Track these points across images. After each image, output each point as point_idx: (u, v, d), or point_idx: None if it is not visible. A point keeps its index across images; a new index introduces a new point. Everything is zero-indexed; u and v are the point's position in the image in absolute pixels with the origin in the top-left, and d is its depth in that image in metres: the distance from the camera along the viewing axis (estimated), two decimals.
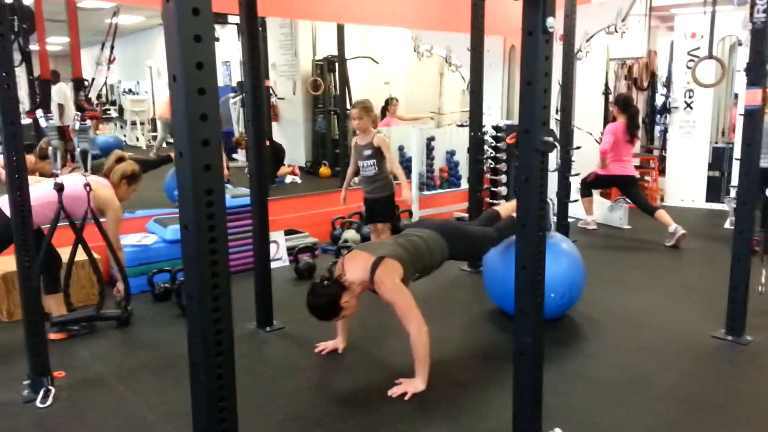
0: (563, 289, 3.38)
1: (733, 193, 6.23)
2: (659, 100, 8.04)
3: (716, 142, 7.41)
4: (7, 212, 2.88)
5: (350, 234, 5.28)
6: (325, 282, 2.77)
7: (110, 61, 4.86)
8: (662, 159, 7.62)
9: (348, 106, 8.41)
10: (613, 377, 2.90)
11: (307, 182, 8.22)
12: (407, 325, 2.71)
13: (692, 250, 5.18)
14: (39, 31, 2.58)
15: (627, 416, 2.55)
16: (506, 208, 3.69)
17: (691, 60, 6.84)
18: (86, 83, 2.85)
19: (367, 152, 4.27)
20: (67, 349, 3.27)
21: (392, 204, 4.45)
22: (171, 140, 10.92)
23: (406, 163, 6.55)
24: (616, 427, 2.48)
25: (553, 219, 3.69)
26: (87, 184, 2.74)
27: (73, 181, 2.87)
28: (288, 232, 5.06)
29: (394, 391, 2.71)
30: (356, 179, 4.59)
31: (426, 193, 5.99)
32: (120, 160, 3.55)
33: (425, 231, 3.13)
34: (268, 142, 6.13)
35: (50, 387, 2.72)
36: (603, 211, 6.13)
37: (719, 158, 7.00)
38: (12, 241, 2.64)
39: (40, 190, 3.10)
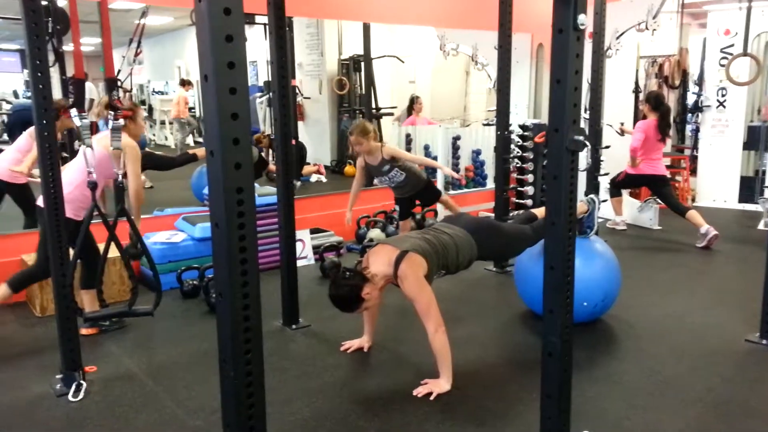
0: (596, 299, 3.32)
1: (767, 193, 6.09)
2: (690, 99, 7.88)
3: (751, 121, 7.18)
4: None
5: (375, 233, 5.29)
6: (347, 273, 2.78)
7: (136, 54, 4.91)
8: (693, 158, 7.47)
9: (374, 105, 8.45)
10: (643, 380, 2.85)
11: (333, 181, 8.26)
12: (425, 322, 2.71)
13: (724, 251, 5.07)
14: (73, 32, 2.63)
15: (657, 420, 2.51)
16: (544, 210, 3.63)
17: (724, 57, 6.69)
18: (119, 83, 2.89)
19: (386, 167, 4.30)
20: (99, 344, 3.34)
21: (433, 186, 4.66)
22: (186, 139, 11.10)
23: None
24: (646, 431, 2.44)
25: (599, 219, 3.60)
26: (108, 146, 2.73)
27: (96, 146, 2.89)
28: (313, 231, 5.08)
29: (419, 391, 2.71)
30: (376, 180, 4.62)
31: (451, 192, 5.96)
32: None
33: (456, 228, 3.06)
34: (294, 142, 6.16)
35: (82, 381, 2.78)
36: (632, 211, 6.03)
37: (755, 137, 6.79)
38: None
39: (72, 174, 3.16)
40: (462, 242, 3.00)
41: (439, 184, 5.84)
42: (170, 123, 12.81)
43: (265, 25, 6.33)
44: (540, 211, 3.63)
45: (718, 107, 6.85)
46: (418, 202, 4.81)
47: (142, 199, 3.44)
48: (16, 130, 5.55)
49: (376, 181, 4.51)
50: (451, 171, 4.92)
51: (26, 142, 4.33)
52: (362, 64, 8.61)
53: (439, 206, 5.84)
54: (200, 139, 11.77)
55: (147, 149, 6.36)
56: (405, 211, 4.49)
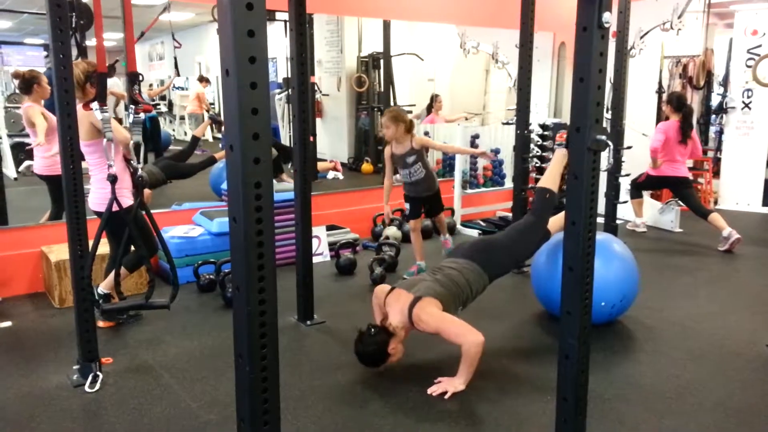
0: (614, 299, 3.29)
1: None
2: (715, 100, 7.76)
3: None
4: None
5: (391, 231, 5.28)
6: (372, 330, 2.83)
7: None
8: (717, 161, 7.36)
9: (392, 103, 8.43)
10: (661, 385, 2.81)
11: (349, 178, 8.26)
12: (463, 341, 2.69)
13: (747, 255, 4.98)
14: (97, 26, 2.65)
15: (675, 426, 2.47)
16: (547, 176, 3.47)
17: (751, 58, 6.58)
18: (141, 77, 2.91)
19: (411, 158, 4.22)
20: (115, 336, 3.37)
21: (441, 198, 4.55)
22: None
23: (449, 161, 6.51)
24: None
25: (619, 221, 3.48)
26: (140, 176, 2.74)
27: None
28: (329, 228, 5.09)
29: (434, 390, 2.70)
30: (397, 176, 4.56)
31: (469, 191, 5.94)
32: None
33: (460, 261, 3.08)
34: (312, 138, 6.16)
35: (98, 373, 2.81)
36: (653, 213, 5.95)
37: None
38: (124, 227, 2.74)
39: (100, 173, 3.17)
40: (470, 274, 3.03)
41: (457, 183, 5.83)
42: (181, 118, 12.92)
43: (285, 21, 6.35)
44: (547, 178, 3.48)
45: (743, 109, 6.73)
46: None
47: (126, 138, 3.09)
48: None
49: (397, 175, 4.44)
50: (479, 151, 4.95)
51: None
52: (381, 61, 8.59)
53: (456, 205, 5.82)
54: (219, 135, 11.87)
55: (166, 160, 6.29)
56: (416, 211, 4.44)
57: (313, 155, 8.11)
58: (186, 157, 6.27)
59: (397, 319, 2.84)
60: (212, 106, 11.42)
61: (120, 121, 5.22)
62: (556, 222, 3.31)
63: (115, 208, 2.69)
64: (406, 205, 4.53)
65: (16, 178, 5.52)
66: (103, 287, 3.44)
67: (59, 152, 2.67)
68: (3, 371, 2.96)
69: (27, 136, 5.95)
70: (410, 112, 8.62)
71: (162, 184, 5.69)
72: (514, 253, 3.29)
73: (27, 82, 4.26)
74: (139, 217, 3.01)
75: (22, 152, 6.82)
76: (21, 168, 6.67)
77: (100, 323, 3.35)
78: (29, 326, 3.53)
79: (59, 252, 3.85)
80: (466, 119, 8.12)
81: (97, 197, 3.30)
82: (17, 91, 4.90)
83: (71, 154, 2.64)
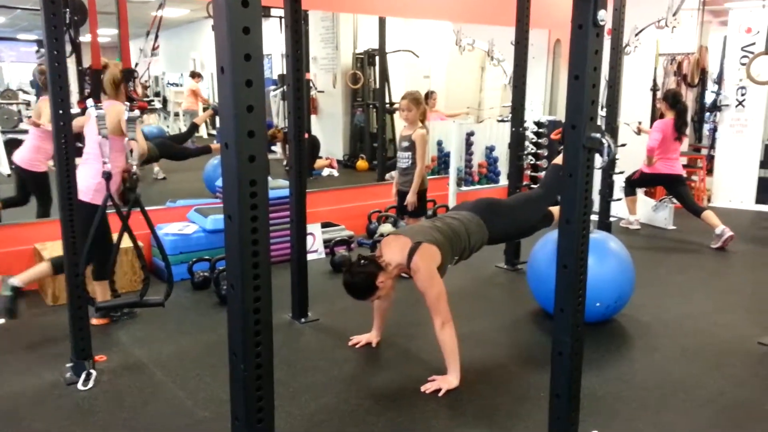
0: (610, 300, 3.30)
1: None
2: (709, 98, 7.79)
3: None
4: (86, 199, 2.96)
5: (386, 228, 5.27)
6: (362, 261, 2.79)
7: (154, 48, 4.94)
8: (710, 158, 7.38)
9: (387, 100, 8.42)
10: (655, 382, 2.82)
11: (344, 175, 8.25)
12: (433, 315, 2.70)
13: (740, 252, 5.01)
14: (91, 23, 2.63)
15: (668, 422, 2.48)
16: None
17: (745, 56, 6.59)
18: (136, 74, 2.90)
19: (405, 144, 4.24)
20: (109, 334, 3.36)
21: (424, 200, 4.38)
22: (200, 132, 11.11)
23: (444, 158, 6.51)
24: None
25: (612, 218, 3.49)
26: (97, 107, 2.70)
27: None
28: (324, 225, 5.08)
29: (427, 387, 2.70)
30: (392, 173, 4.55)
31: (464, 188, 5.93)
32: (105, 68, 3.29)
33: (462, 213, 3.07)
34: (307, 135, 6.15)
35: (92, 370, 2.80)
36: (647, 210, 5.97)
37: None
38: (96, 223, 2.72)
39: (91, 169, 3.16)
40: (471, 225, 2.99)
41: (451, 180, 5.83)
42: (184, 115, 12.86)
43: (280, 18, 6.33)
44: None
45: (737, 106, 6.76)
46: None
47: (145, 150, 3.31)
48: None
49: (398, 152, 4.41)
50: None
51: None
52: (377, 58, 8.58)
53: (451, 202, 5.82)
54: (213, 132, 11.81)
55: (163, 138, 6.39)
56: (399, 208, 4.43)
57: (315, 150, 8.12)
58: (182, 142, 6.32)
59: (394, 258, 2.78)
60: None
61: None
62: (557, 210, 3.33)
63: (97, 201, 2.68)
64: (396, 199, 4.50)
65: (9, 175, 5.49)
66: (20, 280, 3.34)
67: (54, 149, 2.65)
68: None
69: (22, 132, 5.92)
70: None
71: (154, 160, 5.73)
72: (516, 218, 3.24)
73: None
74: (103, 221, 3.02)
75: (15, 149, 6.79)
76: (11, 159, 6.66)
77: (94, 321, 3.33)
78: (22, 324, 3.51)
79: (53, 249, 3.83)
80: (467, 114, 8.12)
81: (85, 186, 3.23)
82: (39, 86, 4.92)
83: (65, 151, 2.62)
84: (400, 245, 2.80)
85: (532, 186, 5.41)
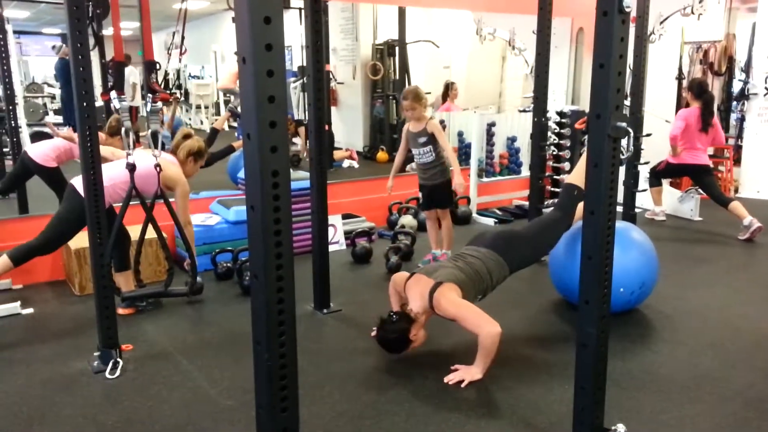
0: (633, 286, 3.26)
1: None
2: (736, 87, 7.62)
3: None
4: (82, 192, 3.01)
5: (407, 219, 5.27)
6: (393, 317, 2.83)
7: (181, 52, 5.00)
8: (737, 148, 7.23)
9: None
10: (680, 374, 2.78)
11: (364, 167, 8.25)
12: (480, 331, 2.68)
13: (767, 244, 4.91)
14: (114, 15, 2.66)
15: (694, 415, 2.45)
16: (577, 172, 3.39)
17: None
18: (158, 66, 2.93)
19: (422, 139, 4.17)
20: (135, 323, 3.41)
21: (449, 190, 4.32)
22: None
23: (465, 149, 6.47)
24: (682, 426, 2.38)
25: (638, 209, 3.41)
26: (157, 165, 2.83)
27: (144, 161, 2.95)
28: (345, 216, 5.09)
29: (450, 378, 2.70)
30: (412, 165, 4.53)
31: (485, 179, 5.90)
32: (187, 136, 3.64)
33: (482, 250, 3.06)
34: (327, 127, 6.16)
35: (118, 359, 2.85)
36: (673, 201, 5.87)
37: None
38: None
39: (113, 170, 3.22)
40: (491, 263, 3.01)
41: (473, 171, 5.79)
42: (205, 107, 12.97)
43: (300, 9, 6.32)
44: (574, 176, 3.44)
45: (765, 95, 6.60)
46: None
47: (192, 232, 3.59)
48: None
49: (412, 164, 4.40)
50: (460, 180, 4.16)
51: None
52: (397, 49, 8.55)
53: (472, 193, 5.79)
54: (235, 124, 11.89)
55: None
56: (426, 201, 4.40)
57: (330, 145, 8.13)
58: (209, 164, 6.36)
59: (417, 304, 2.84)
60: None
61: (137, 110, 5.27)
62: (577, 210, 3.29)
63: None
64: (420, 194, 4.50)
65: None
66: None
67: (78, 141, 2.68)
68: (25, 357, 3.01)
69: (45, 125, 6.02)
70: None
71: None
72: (537, 247, 3.27)
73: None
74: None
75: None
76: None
77: (120, 310, 3.39)
78: (50, 313, 3.59)
79: (79, 240, 3.89)
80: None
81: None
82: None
83: (90, 142, 2.65)
84: (421, 288, 2.84)
85: (555, 177, 5.37)
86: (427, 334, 2.92)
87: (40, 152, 4.55)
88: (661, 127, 5.71)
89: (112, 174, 3.17)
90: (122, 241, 3.38)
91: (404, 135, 4.33)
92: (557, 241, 3.31)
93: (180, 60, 5.35)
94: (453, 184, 4.23)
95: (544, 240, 3.27)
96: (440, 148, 4.18)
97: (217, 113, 11.50)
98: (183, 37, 4.94)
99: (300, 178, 4.72)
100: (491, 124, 5.95)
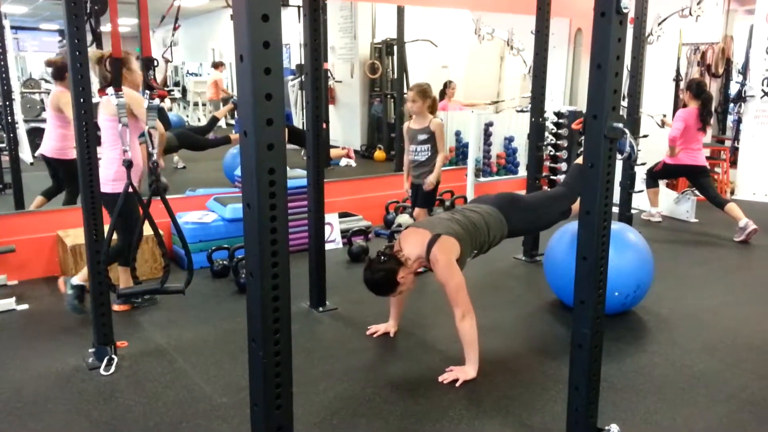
0: (628, 289, 3.26)
1: None
2: (733, 88, 7.64)
3: None
4: (106, 190, 3.01)
5: (404, 218, 5.26)
6: (382, 257, 2.77)
7: (175, 28, 4.95)
8: (734, 150, 7.25)
9: (405, 90, 8.39)
10: (674, 376, 2.79)
11: (362, 165, 8.25)
12: (454, 307, 2.70)
13: (763, 246, 4.92)
14: (111, 12, 2.65)
15: (688, 416, 2.46)
16: None
17: None
18: (155, 63, 2.92)
19: (423, 136, 4.19)
20: (130, 320, 3.41)
21: (434, 193, 4.36)
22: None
23: (462, 149, 6.48)
24: (675, 427, 2.39)
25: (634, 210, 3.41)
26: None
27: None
28: (342, 215, 5.09)
29: (445, 378, 2.70)
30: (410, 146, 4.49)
31: (482, 179, 5.90)
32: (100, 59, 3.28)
33: (483, 206, 3.06)
34: (325, 125, 6.15)
35: (113, 356, 2.85)
36: (669, 202, 5.89)
37: None
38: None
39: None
40: (491, 219, 2.98)
41: (470, 171, 5.80)
42: (203, 105, 12.95)
43: (299, 7, 6.31)
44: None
45: (762, 97, 6.62)
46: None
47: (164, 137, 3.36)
48: None
49: (409, 148, 4.37)
50: (432, 179, 4.19)
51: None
52: (395, 47, 8.54)
53: (469, 193, 5.79)
54: (232, 122, 11.88)
55: (183, 129, 6.47)
56: (415, 199, 4.41)
57: (326, 142, 8.11)
58: (203, 134, 6.41)
59: (413, 252, 2.78)
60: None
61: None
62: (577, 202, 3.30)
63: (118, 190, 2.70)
64: (409, 192, 4.47)
65: (32, 163, 5.59)
66: (79, 279, 3.36)
67: (75, 136, 2.68)
68: (20, 353, 3.01)
69: (42, 121, 6.00)
70: None
71: (174, 150, 5.81)
72: (537, 215, 3.24)
73: (60, 69, 4.33)
74: (130, 207, 3.05)
75: (38, 137, 6.90)
76: (37, 153, 6.78)
77: (116, 307, 3.39)
78: (46, 309, 3.58)
79: (75, 236, 3.89)
80: (486, 105, 8.06)
81: (104, 176, 3.25)
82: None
83: (86, 138, 2.65)
84: (419, 238, 2.80)
85: (552, 177, 5.37)
86: (416, 281, 2.86)
87: (54, 147, 4.47)
88: (658, 128, 5.72)
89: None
90: (129, 235, 3.30)
91: (405, 133, 4.34)
92: (556, 216, 3.28)
93: (165, 54, 5.33)
94: (426, 179, 4.22)
95: (544, 211, 3.24)
96: (436, 149, 4.20)
97: (216, 110, 11.48)
98: (177, 24, 4.93)
99: (297, 176, 4.72)
100: (489, 124, 5.95)
